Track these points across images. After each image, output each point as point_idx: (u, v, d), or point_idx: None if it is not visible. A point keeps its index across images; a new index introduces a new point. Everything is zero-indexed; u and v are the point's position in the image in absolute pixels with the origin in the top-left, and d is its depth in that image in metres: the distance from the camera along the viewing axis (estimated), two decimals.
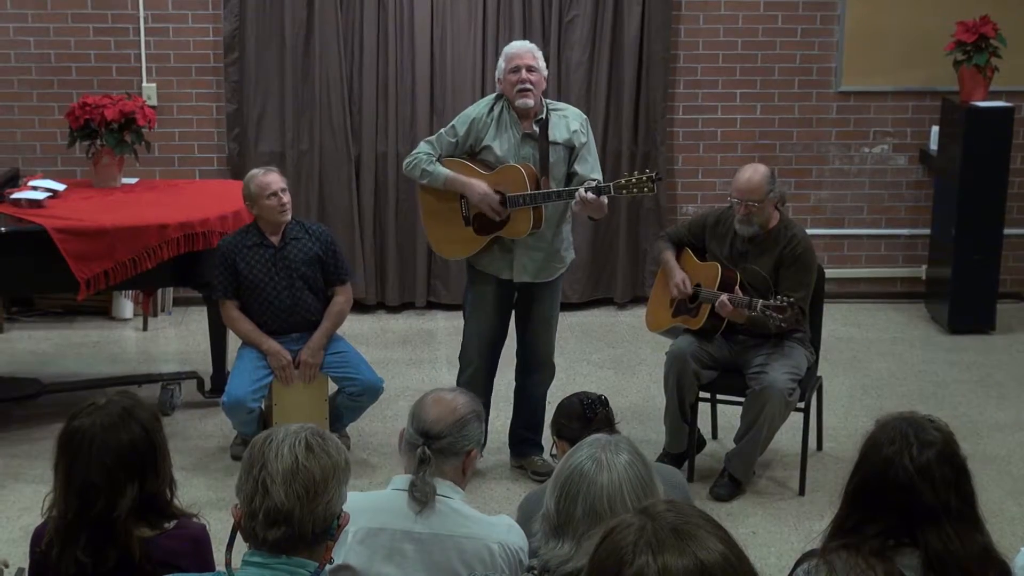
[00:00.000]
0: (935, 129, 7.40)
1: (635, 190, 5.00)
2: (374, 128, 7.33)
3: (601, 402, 3.76)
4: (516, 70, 5.01)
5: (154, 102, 7.14)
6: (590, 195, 4.88)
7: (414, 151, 5.22)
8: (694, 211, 7.16)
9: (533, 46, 5.13)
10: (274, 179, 5.27)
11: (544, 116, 5.05)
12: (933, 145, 7.41)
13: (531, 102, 5.00)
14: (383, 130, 7.32)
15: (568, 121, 5.11)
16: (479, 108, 5.14)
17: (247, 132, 7.30)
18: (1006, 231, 7.21)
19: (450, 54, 7.24)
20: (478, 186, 5.04)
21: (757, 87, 7.53)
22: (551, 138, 5.04)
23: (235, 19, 7.16)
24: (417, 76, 7.26)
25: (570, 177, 5.09)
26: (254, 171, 5.36)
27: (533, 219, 5.02)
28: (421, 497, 2.91)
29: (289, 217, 5.30)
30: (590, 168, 5.09)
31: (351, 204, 7.37)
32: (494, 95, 5.16)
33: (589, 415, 3.69)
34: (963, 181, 6.99)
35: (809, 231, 7.31)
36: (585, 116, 5.25)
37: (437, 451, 2.95)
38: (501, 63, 5.10)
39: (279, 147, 7.32)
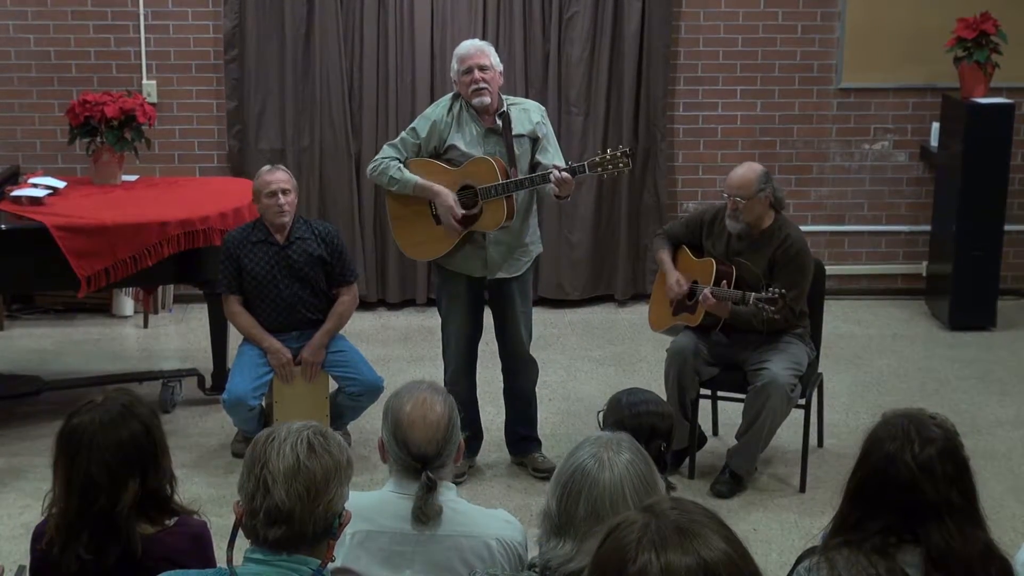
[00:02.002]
0: (936, 125, 7.40)
1: (610, 167, 4.98)
2: (374, 125, 7.33)
3: (663, 435, 3.45)
4: (468, 71, 4.99)
5: (154, 99, 7.15)
6: (565, 175, 4.88)
7: (378, 156, 5.17)
8: (694, 207, 7.16)
9: (483, 44, 5.11)
10: (276, 178, 5.22)
11: (505, 110, 5.04)
12: (934, 142, 7.41)
13: (487, 99, 4.99)
14: (383, 127, 7.31)
15: (529, 114, 5.10)
16: (438, 110, 5.11)
17: (247, 129, 7.30)
18: (1007, 227, 7.21)
19: (450, 50, 7.14)
20: (445, 197, 5.01)
21: (757, 84, 7.53)
22: (515, 131, 5.03)
23: (235, 16, 7.16)
24: (417, 72, 7.26)
25: (533, 168, 5.08)
26: (264, 167, 5.36)
27: (506, 210, 5.00)
28: (425, 520, 2.88)
29: (286, 220, 5.25)
30: (551, 157, 5.08)
31: (351, 201, 7.37)
32: (451, 94, 5.13)
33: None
34: (964, 178, 6.99)
35: (810, 228, 7.35)
36: (543, 107, 5.26)
37: (438, 468, 2.92)
38: (454, 64, 5.07)
39: (279, 144, 7.32)
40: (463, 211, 5.00)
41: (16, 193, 5.73)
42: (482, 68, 4.98)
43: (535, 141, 5.09)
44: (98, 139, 6.13)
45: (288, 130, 7.32)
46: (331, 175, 7.37)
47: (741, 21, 7.46)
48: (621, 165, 4.97)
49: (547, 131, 5.14)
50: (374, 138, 7.31)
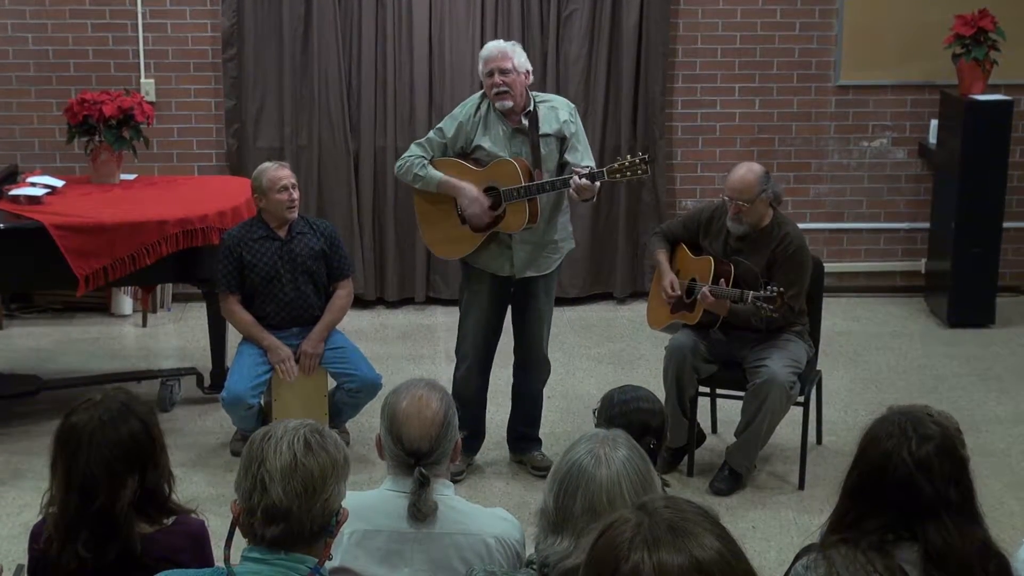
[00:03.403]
0: (934, 123, 7.40)
1: (628, 173, 4.96)
2: (372, 123, 7.33)
3: (655, 432, 3.47)
4: (491, 74, 4.98)
5: (152, 98, 7.15)
6: (584, 181, 4.87)
7: (405, 154, 5.18)
8: (693, 205, 7.16)
9: (507, 46, 5.07)
10: (286, 174, 5.29)
11: (532, 109, 5.03)
12: (932, 139, 7.41)
13: (509, 103, 4.98)
14: (382, 125, 7.32)
15: (557, 112, 5.08)
16: (465, 109, 5.11)
17: (246, 128, 7.30)
18: (1005, 224, 7.21)
19: (448, 48, 7.24)
20: (469, 190, 5.02)
21: (756, 81, 7.52)
22: (541, 130, 5.02)
23: (233, 14, 7.16)
24: (415, 70, 7.26)
25: (562, 167, 5.07)
26: (266, 164, 5.38)
27: (528, 212, 4.99)
28: (421, 517, 2.87)
29: (296, 215, 5.31)
30: (581, 156, 5.06)
31: (350, 199, 7.37)
32: (479, 93, 5.13)
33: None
34: (962, 175, 6.99)
35: (808, 225, 7.35)
36: (573, 105, 5.24)
37: (432, 464, 2.92)
38: (480, 65, 5.07)
39: (278, 142, 7.32)
40: (488, 201, 5.01)
41: (14, 192, 5.72)
42: (503, 72, 4.96)
43: (563, 140, 5.07)
44: (96, 138, 6.13)
45: (286, 128, 7.32)
46: (329, 173, 7.37)
47: (739, 18, 7.46)
48: (640, 172, 4.96)
49: (576, 130, 5.10)
50: (372, 137, 7.32)
